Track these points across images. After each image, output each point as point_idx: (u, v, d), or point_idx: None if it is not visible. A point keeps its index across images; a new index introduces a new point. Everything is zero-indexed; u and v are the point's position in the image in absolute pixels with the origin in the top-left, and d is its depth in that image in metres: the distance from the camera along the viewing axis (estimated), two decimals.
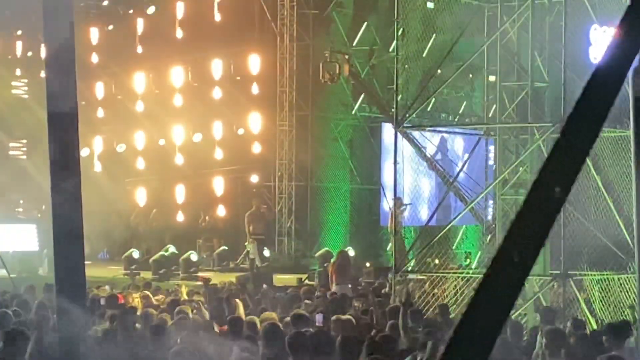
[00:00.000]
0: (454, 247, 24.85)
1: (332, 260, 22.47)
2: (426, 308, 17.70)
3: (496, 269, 1.98)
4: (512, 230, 1.99)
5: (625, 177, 18.00)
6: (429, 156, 21.95)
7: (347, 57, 29.27)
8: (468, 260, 25.83)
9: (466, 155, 22.33)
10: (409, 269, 19.47)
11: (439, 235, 20.17)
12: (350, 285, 21.10)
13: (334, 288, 20.34)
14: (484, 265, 19.32)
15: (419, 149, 20.65)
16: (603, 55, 2.06)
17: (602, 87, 2.02)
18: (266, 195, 30.52)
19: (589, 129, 2.01)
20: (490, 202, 20.80)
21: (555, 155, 2.00)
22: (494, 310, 1.96)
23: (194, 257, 27.50)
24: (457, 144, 26.36)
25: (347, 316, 13.45)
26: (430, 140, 22.17)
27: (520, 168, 18.75)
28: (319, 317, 12.87)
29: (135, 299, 17.35)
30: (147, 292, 18.79)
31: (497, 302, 1.96)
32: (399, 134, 19.47)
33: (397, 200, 27.49)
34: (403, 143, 19.93)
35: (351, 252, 27.81)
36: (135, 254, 28.76)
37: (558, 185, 1.98)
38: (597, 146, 17.29)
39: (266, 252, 28.16)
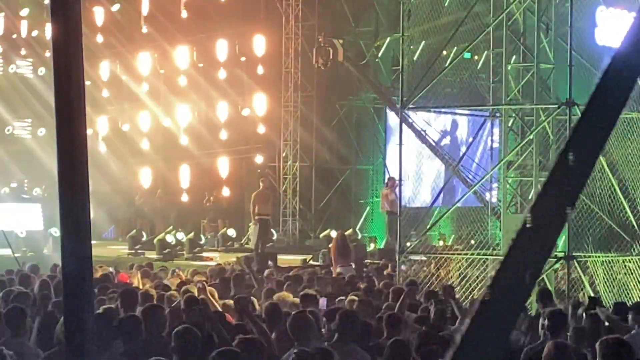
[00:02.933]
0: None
1: (331, 243, 22.41)
2: (430, 289, 17.71)
3: (516, 249, 1.99)
4: (533, 212, 1.99)
5: (631, 159, 17.99)
6: (431, 140, 21.95)
7: (341, 41, 29.31)
8: (472, 241, 25.83)
9: (470, 138, 22.29)
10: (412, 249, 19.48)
11: (442, 216, 20.19)
12: (354, 266, 21.13)
13: (337, 270, 20.37)
14: (487, 246, 19.33)
15: (420, 133, 20.67)
16: (623, 39, 2.05)
17: (622, 71, 2.01)
18: (271, 175, 30.53)
19: (609, 114, 2.01)
20: (495, 184, 20.79)
21: (574, 140, 2.00)
22: (514, 293, 1.97)
23: (198, 237, 27.55)
24: (462, 126, 26.34)
25: (361, 297, 13.48)
26: (431, 126, 22.16)
27: (526, 149, 18.72)
28: (322, 302, 12.89)
29: (137, 278, 17.38)
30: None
31: (517, 283, 1.97)
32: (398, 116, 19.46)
33: (390, 181, 27.69)
34: (409, 125, 19.94)
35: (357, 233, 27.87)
36: (140, 233, 28.82)
37: (577, 171, 1.98)
38: None
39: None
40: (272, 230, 28.42)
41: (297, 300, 13.33)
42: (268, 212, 26.72)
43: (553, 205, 1.98)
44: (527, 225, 1.99)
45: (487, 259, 18.01)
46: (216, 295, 13.65)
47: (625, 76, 2.01)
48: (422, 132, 21.45)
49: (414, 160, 21.93)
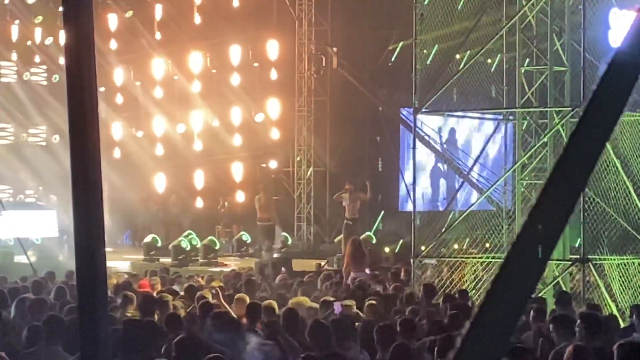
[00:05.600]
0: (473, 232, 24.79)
1: (346, 249, 22.39)
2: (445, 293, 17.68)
3: (517, 253, 1.99)
4: (532, 215, 1.99)
5: None
6: (442, 147, 21.93)
7: (335, 49, 29.40)
8: (487, 245, 25.76)
9: (483, 142, 22.24)
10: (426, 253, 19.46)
11: (457, 221, 20.15)
12: (368, 272, 21.09)
13: (352, 275, 20.35)
14: (502, 250, 19.29)
15: (431, 140, 20.67)
16: (623, 39, 2.05)
17: (622, 72, 2.01)
18: (285, 181, 30.54)
19: (609, 114, 2.00)
20: (509, 187, 20.75)
21: (574, 142, 2.00)
22: (516, 294, 1.97)
23: (213, 242, 27.54)
24: (474, 130, 26.29)
25: (372, 301, 13.49)
26: (440, 134, 22.14)
27: (540, 153, 18.69)
28: (337, 306, 12.92)
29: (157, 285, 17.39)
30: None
31: (518, 286, 1.97)
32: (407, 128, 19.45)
33: (349, 186, 27.78)
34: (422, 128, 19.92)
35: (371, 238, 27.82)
36: (155, 239, 28.83)
37: (578, 172, 1.97)
38: (616, 129, 17.24)
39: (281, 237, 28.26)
40: (286, 234, 28.43)
41: (315, 304, 13.36)
42: (269, 217, 26.93)
43: (553, 208, 1.98)
44: (528, 228, 1.99)
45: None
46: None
47: (626, 77, 2.00)
48: (430, 138, 21.45)
49: (429, 163, 21.90)
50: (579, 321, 10.13)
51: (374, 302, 13.49)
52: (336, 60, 29.19)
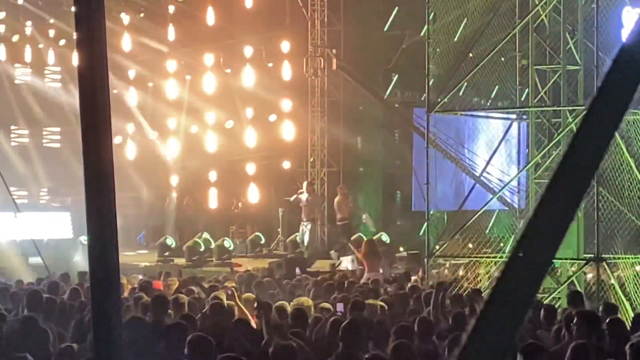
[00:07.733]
0: (486, 232, 24.76)
1: (361, 249, 22.35)
2: (459, 292, 17.67)
3: (522, 250, 1.99)
4: (538, 212, 1.99)
5: None
6: (452, 147, 21.92)
7: (334, 51, 29.40)
8: (501, 244, 25.72)
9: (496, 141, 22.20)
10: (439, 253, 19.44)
11: (471, 220, 20.13)
12: (381, 271, 21.08)
13: (365, 275, 20.36)
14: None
15: (437, 143, 20.68)
16: (628, 36, 2.05)
17: (627, 68, 2.01)
18: (298, 181, 30.54)
19: (614, 111, 2.00)
20: (523, 187, 20.72)
21: (579, 139, 2.00)
22: (521, 292, 1.97)
23: (227, 243, 27.55)
24: (487, 130, 26.25)
25: (378, 302, 13.49)
26: (449, 135, 22.14)
27: (553, 152, 18.66)
28: (339, 306, 13.00)
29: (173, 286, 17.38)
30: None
31: (524, 284, 1.97)
32: (423, 122, 19.45)
33: (309, 186, 27.78)
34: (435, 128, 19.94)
35: (384, 237, 27.78)
36: (169, 240, 28.86)
37: (584, 168, 1.98)
38: (630, 128, 17.22)
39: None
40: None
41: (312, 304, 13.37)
42: (343, 217, 27.27)
43: (558, 206, 1.98)
44: (533, 226, 1.99)
45: None
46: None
47: (631, 73, 2.00)
48: (441, 139, 21.46)
49: (441, 163, 21.87)
50: (575, 319, 10.11)
51: (383, 302, 13.51)
52: (335, 62, 29.18)
